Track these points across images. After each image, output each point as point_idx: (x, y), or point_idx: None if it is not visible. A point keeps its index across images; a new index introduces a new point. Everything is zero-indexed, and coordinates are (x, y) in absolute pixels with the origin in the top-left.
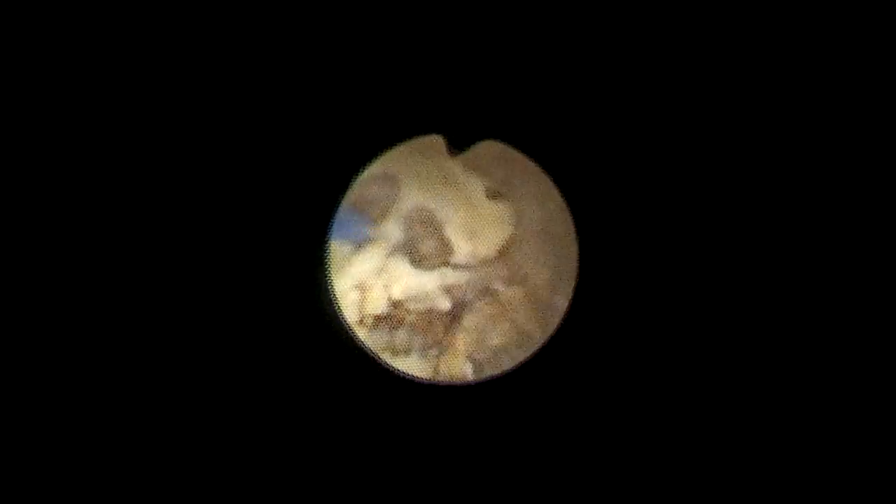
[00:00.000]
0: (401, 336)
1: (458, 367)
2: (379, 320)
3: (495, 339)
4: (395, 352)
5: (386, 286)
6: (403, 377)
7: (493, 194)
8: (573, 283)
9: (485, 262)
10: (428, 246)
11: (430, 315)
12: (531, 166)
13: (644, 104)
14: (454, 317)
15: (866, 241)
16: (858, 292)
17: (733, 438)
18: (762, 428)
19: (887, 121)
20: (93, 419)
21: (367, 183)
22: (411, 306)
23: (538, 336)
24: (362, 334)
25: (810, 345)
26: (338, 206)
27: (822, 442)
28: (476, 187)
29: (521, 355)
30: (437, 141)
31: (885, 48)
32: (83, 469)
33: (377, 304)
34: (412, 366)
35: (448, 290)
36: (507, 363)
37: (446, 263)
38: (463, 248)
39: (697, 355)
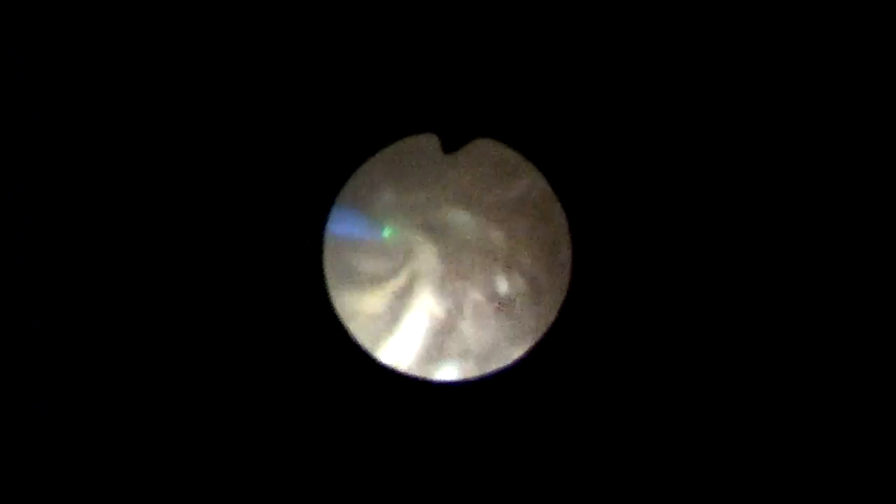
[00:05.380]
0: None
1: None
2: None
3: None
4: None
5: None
6: (401, 374)
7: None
8: (567, 283)
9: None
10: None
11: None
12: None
13: (641, 104)
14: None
15: (865, 242)
16: (857, 291)
17: (733, 437)
18: (761, 426)
19: (887, 121)
20: (87, 415)
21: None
22: None
23: (534, 334)
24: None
25: (808, 342)
26: (332, 205)
27: (821, 439)
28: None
29: (516, 353)
30: (431, 140)
31: (885, 48)
32: (79, 468)
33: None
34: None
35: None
36: (501, 360)
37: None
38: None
39: (699, 354)
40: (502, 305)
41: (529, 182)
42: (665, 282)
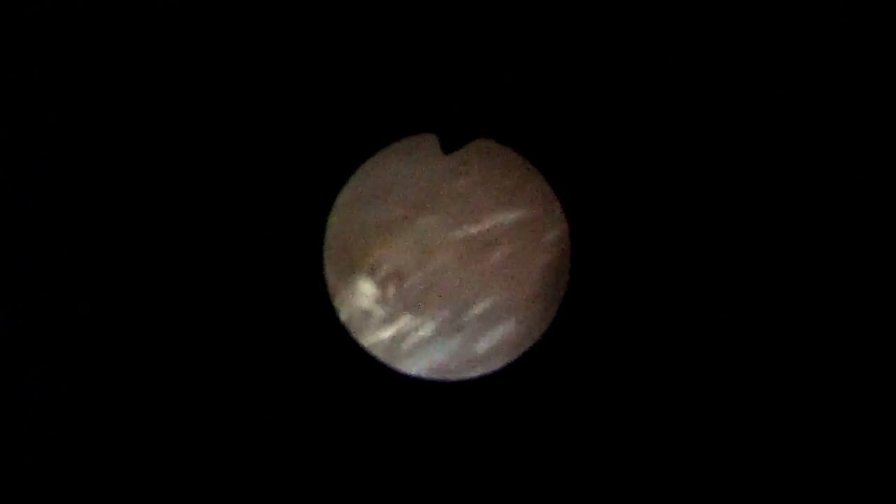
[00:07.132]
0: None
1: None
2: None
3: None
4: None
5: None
6: (400, 373)
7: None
8: (566, 282)
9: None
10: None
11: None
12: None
13: (640, 104)
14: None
15: (865, 243)
16: (856, 292)
17: (733, 437)
18: (760, 426)
19: (886, 121)
20: (87, 414)
21: None
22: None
23: (532, 336)
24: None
25: (807, 343)
26: (332, 205)
27: (821, 439)
28: None
29: (515, 352)
30: (429, 140)
31: (885, 48)
32: (80, 468)
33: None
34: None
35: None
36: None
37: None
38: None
39: (697, 355)
40: (501, 304)
41: (529, 182)
42: (663, 282)
